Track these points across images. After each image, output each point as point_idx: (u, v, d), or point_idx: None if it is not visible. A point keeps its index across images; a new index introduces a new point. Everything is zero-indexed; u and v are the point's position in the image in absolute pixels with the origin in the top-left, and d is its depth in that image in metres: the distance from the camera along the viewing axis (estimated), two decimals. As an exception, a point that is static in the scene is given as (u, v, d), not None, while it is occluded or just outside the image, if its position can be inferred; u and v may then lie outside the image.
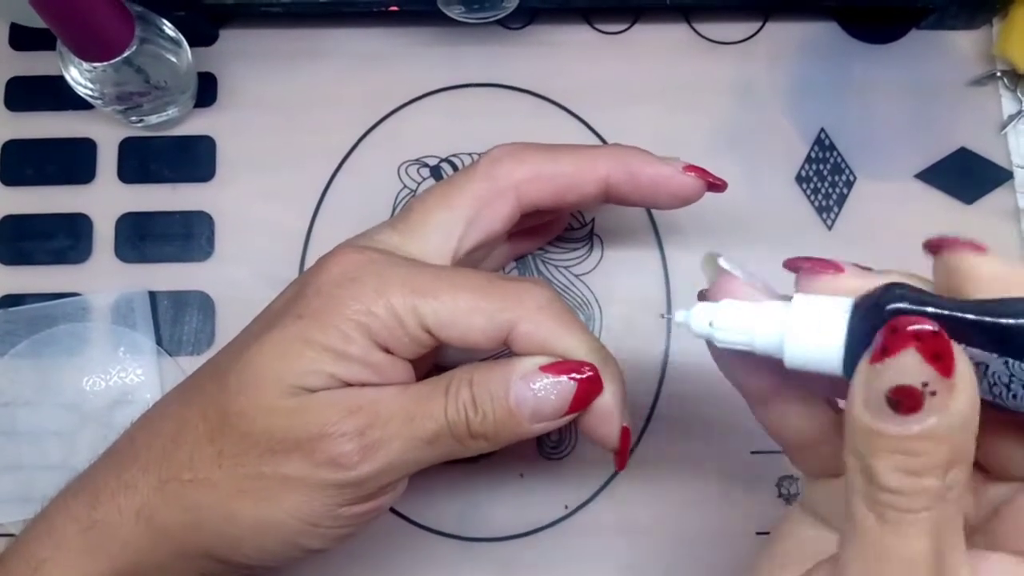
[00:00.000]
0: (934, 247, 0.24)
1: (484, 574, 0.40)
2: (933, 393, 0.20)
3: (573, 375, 0.29)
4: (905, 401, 0.20)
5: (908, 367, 0.20)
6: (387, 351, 0.29)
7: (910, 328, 0.20)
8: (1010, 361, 0.21)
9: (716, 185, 0.33)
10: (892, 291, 0.22)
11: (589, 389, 0.29)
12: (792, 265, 0.25)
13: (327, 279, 0.30)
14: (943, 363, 0.20)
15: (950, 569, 0.21)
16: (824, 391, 0.26)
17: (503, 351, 0.30)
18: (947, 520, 0.21)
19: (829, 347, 0.23)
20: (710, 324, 0.25)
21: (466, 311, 0.29)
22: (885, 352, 0.20)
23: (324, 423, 0.28)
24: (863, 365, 0.21)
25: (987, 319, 0.21)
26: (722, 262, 0.26)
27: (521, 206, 0.33)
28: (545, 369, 0.29)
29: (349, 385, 0.29)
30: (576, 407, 0.29)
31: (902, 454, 0.20)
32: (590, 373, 0.29)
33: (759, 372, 0.26)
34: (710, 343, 0.26)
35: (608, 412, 0.30)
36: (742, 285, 0.25)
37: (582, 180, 0.33)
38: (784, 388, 0.26)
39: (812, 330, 0.23)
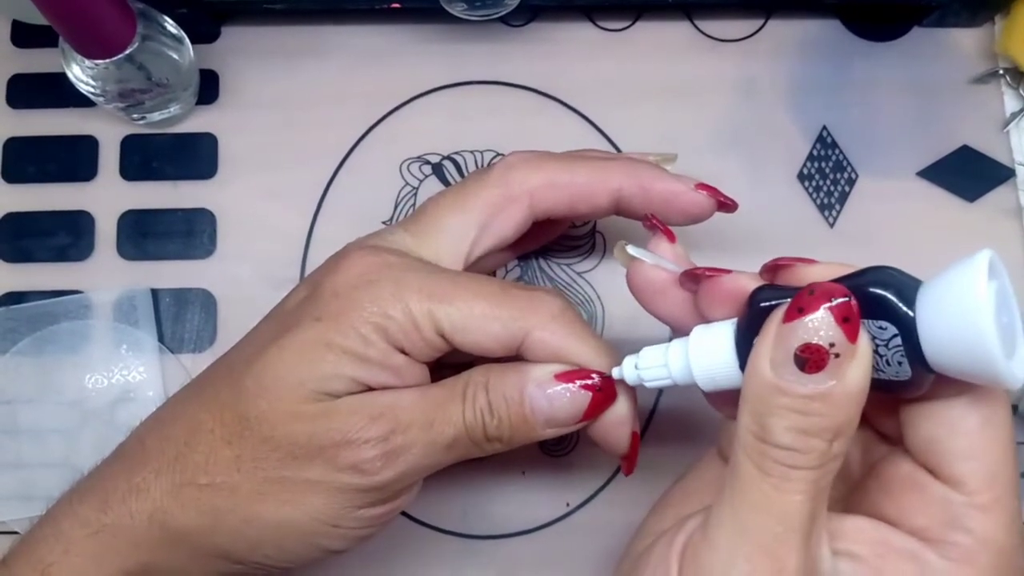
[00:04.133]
0: (769, 270, 0.26)
1: (486, 571, 0.40)
2: (837, 355, 0.22)
3: (587, 384, 0.29)
4: (812, 359, 0.22)
5: (820, 325, 0.22)
6: (403, 353, 0.29)
7: (825, 292, 0.22)
8: (870, 323, 0.23)
9: (727, 205, 0.33)
10: (760, 292, 0.25)
11: (603, 398, 0.30)
12: (690, 275, 0.27)
13: (344, 280, 0.30)
14: (851, 326, 0.22)
15: (816, 530, 0.23)
16: None
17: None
18: (823, 486, 0.23)
19: (724, 362, 0.26)
20: (636, 367, 0.28)
21: (481, 317, 0.29)
22: (801, 311, 0.22)
23: (348, 430, 0.28)
24: (774, 326, 0.23)
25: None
26: (630, 249, 0.29)
27: (534, 213, 0.33)
28: (560, 377, 0.29)
29: (370, 388, 0.29)
30: (590, 415, 0.30)
31: (798, 413, 0.22)
32: (604, 383, 0.29)
33: (674, 305, 0.29)
34: None
35: (619, 419, 0.30)
36: (650, 268, 0.29)
37: (595, 191, 0.33)
38: (698, 314, 0.28)
39: (708, 352, 0.26)
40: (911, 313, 0.22)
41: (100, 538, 0.29)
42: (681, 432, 0.41)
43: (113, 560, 0.30)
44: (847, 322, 0.22)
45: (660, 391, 0.41)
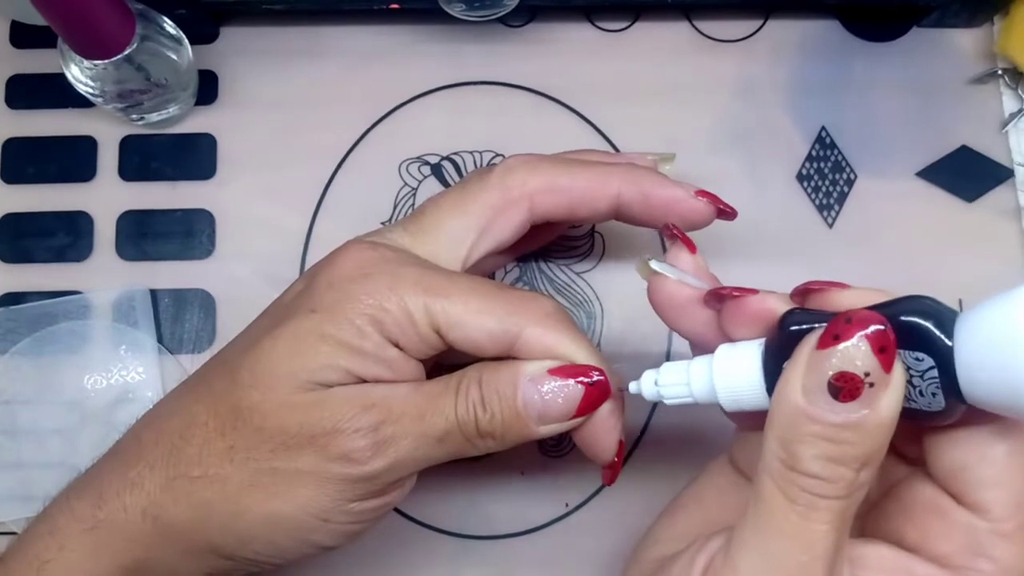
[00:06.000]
0: (800, 293, 0.26)
1: (485, 572, 0.40)
2: (871, 385, 0.22)
3: (581, 379, 0.29)
4: (847, 388, 0.22)
5: (857, 354, 0.22)
6: (398, 348, 0.29)
7: (862, 320, 0.22)
8: (906, 354, 0.22)
9: (726, 212, 0.33)
10: (791, 316, 0.24)
11: (597, 394, 0.30)
12: (715, 294, 0.27)
13: (340, 273, 0.30)
14: (887, 356, 0.22)
15: (840, 558, 0.23)
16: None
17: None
18: (849, 515, 0.23)
19: (750, 383, 0.25)
20: (655, 383, 0.28)
21: (476, 313, 0.29)
22: (836, 339, 0.22)
23: (338, 419, 0.28)
24: (806, 352, 0.23)
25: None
26: (653, 264, 0.29)
27: (533, 217, 0.33)
28: (553, 372, 0.29)
29: (363, 381, 0.29)
30: (583, 411, 0.30)
31: (828, 441, 0.22)
32: (599, 378, 0.29)
33: (697, 323, 0.28)
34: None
35: (608, 423, 0.30)
36: (672, 283, 0.28)
37: (594, 196, 0.33)
38: (721, 332, 0.27)
39: (733, 373, 0.26)
40: (950, 344, 0.22)
41: (95, 534, 0.29)
42: (679, 436, 0.41)
43: (108, 556, 0.30)
44: (883, 352, 0.22)
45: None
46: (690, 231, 0.33)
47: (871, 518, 0.27)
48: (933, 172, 0.43)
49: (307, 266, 0.43)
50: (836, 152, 0.44)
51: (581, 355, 0.30)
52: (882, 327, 0.22)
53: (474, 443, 0.30)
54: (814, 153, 0.44)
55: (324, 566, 0.39)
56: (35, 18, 0.39)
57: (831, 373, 0.22)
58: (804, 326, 0.24)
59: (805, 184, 0.43)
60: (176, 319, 0.42)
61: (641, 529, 0.31)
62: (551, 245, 0.42)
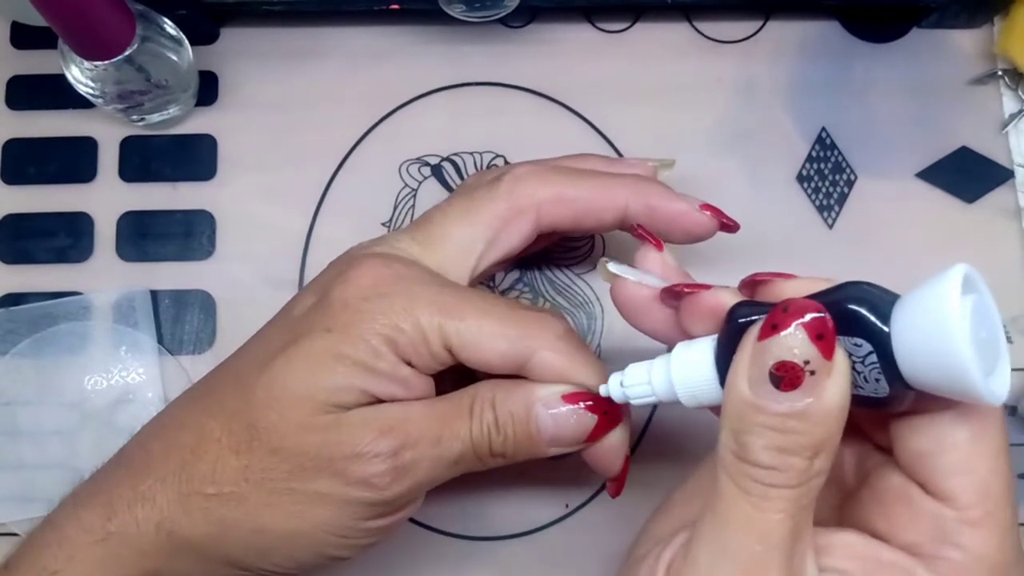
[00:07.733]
0: (748, 285, 0.26)
1: (485, 573, 0.40)
2: (812, 373, 0.22)
3: (593, 406, 0.30)
4: (787, 377, 0.22)
5: (794, 343, 0.22)
6: (410, 366, 0.30)
7: (798, 309, 0.22)
8: (846, 340, 0.22)
9: (728, 226, 0.33)
10: (738, 309, 0.25)
11: (608, 422, 0.30)
12: (670, 292, 0.27)
13: (354, 291, 0.30)
14: (825, 343, 0.22)
15: (800, 548, 0.23)
16: None
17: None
18: (805, 504, 0.23)
19: (705, 379, 0.25)
20: (621, 384, 0.28)
21: (489, 334, 0.29)
22: (774, 328, 0.22)
23: (357, 443, 0.28)
24: (749, 343, 0.23)
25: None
26: (611, 267, 0.29)
27: (539, 227, 0.33)
28: (567, 398, 0.30)
29: (379, 400, 0.29)
30: (594, 437, 0.30)
31: (775, 431, 0.22)
32: (610, 407, 0.30)
33: (659, 322, 0.28)
34: None
35: (615, 443, 0.31)
36: (632, 285, 0.29)
37: (601, 207, 0.33)
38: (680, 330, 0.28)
39: (689, 370, 0.26)
40: (885, 329, 0.22)
41: (105, 546, 0.29)
42: (679, 436, 0.41)
43: (119, 568, 0.30)
44: (821, 339, 0.22)
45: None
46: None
47: (846, 507, 0.27)
48: (933, 173, 0.43)
49: (307, 267, 0.42)
50: (836, 153, 0.44)
51: (593, 380, 0.30)
52: (819, 314, 0.22)
53: (485, 462, 0.30)
54: (814, 154, 0.44)
55: (326, 569, 0.39)
56: (35, 19, 0.39)
57: (771, 363, 0.22)
58: (750, 318, 0.24)
59: (805, 185, 0.43)
60: (176, 320, 0.42)
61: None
62: (552, 247, 0.42)
